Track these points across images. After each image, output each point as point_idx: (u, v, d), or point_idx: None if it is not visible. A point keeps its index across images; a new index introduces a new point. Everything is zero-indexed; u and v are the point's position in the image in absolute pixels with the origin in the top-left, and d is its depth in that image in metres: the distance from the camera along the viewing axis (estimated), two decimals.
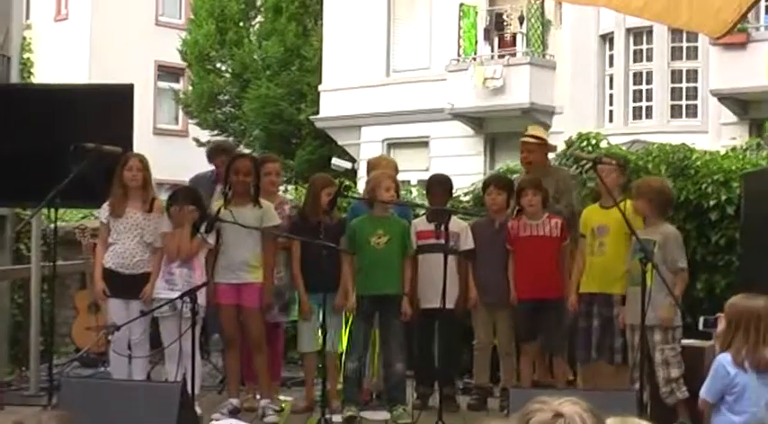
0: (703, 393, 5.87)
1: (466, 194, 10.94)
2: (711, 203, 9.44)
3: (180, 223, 8.10)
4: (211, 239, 8.18)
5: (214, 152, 10.26)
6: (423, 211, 9.20)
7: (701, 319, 7.64)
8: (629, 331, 7.92)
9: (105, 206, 8.32)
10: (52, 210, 8.32)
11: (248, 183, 8.35)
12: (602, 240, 8.24)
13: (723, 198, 9.40)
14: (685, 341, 7.93)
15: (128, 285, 8.17)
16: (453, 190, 9.42)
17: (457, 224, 8.57)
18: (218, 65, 29.28)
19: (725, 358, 5.72)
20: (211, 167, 10.21)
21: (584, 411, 2.68)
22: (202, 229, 8.08)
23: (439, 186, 9.01)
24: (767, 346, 5.66)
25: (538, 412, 2.69)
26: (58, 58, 28.86)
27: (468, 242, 8.68)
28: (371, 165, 9.53)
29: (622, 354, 8.11)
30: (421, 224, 8.78)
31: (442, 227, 7.93)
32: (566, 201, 8.86)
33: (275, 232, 8.31)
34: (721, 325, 6.01)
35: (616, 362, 8.17)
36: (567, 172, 9.39)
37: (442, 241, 7.96)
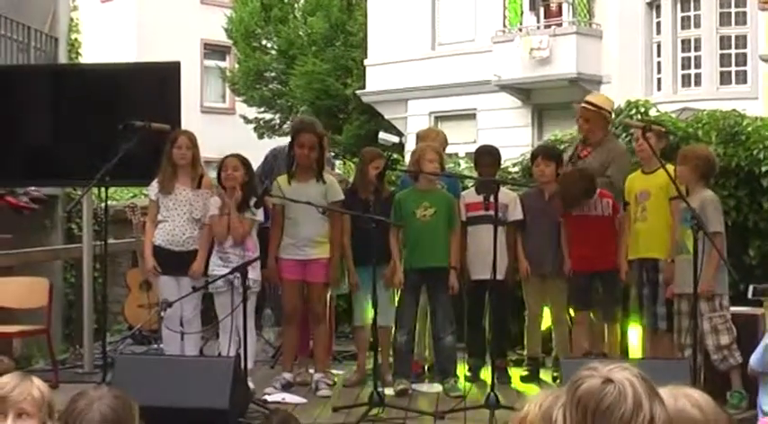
0: (753, 362, 5.84)
1: (514, 165, 10.89)
2: (763, 169, 9.33)
3: (230, 190, 8.08)
4: (259, 215, 8.19)
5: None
6: (471, 183, 9.17)
7: (751, 287, 7.60)
8: (677, 298, 7.88)
9: (154, 183, 8.35)
10: (102, 189, 8.38)
11: (312, 158, 8.35)
12: (644, 205, 8.21)
13: None
14: (737, 309, 7.87)
15: (178, 262, 8.20)
16: (502, 161, 9.39)
17: (506, 194, 8.53)
18: (264, 42, 29.35)
19: None
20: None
21: (634, 377, 2.66)
22: (251, 203, 8.09)
23: (487, 157, 8.98)
24: None
25: (588, 379, 2.68)
26: (106, 39, 28.99)
27: (516, 213, 8.65)
28: (420, 138, 9.50)
29: (667, 321, 8.07)
30: (469, 195, 8.76)
31: (491, 198, 7.89)
32: (611, 171, 8.77)
33: (329, 207, 8.30)
34: None
35: (660, 328, 8.14)
36: (619, 145, 9.25)
37: (491, 212, 7.92)
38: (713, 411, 3.03)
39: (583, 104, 9.04)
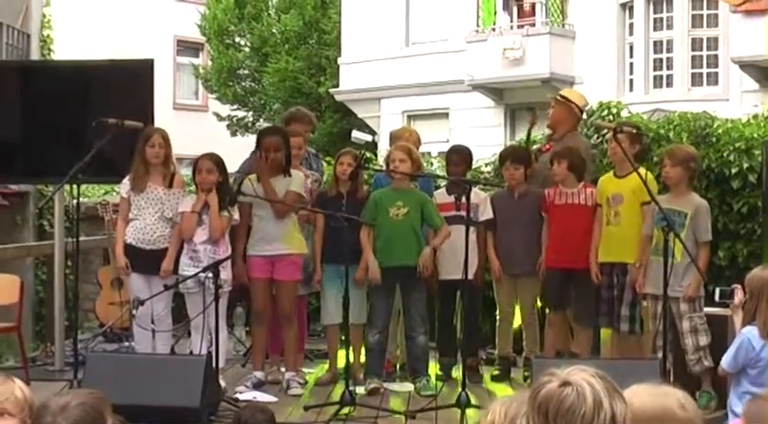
0: (724, 363, 5.89)
1: (487, 165, 10.93)
2: (733, 171, 9.39)
3: (206, 189, 8.08)
4: (235, 213, 8.19)
5: (288, 118, 9.86)
6: (444, 183, 9.20)
7: (717, 290, 7.66)
8: (651, 300, 7.93)
9: (126, 180, 8.33)
10: (74, 186, 8.36)
11: (278, 159, 8.35)
12: (616, 209, 8.25)
13: (745, 165, 9.35)
14: (707, 310, 7.93)
15: (149, 260, 8.19)
16: (473, 161, 9.42)
17: (476, 194, 8.56)
18: (237, 39, 29.28)
19: (751, 331, 5.74)
20: None
21: (591, 377, 2.69)
22: (226, 203, 8.09)
23: (458, 156, 9.01)
24: None
25: (547, 384, 2.71)
26: (78, 35, 28.86)
27: (486, 213, 8.69)
28: (394, 137, 9.52)
29: (629, 324, 8.14)
30: (440, 196, 8.79)
31: (462, 199, 7.92)
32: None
33: (297, 205, 8.32)
34: (738, 296, 6.02)
35: (623, 330, 8.19)
36: (585, 142, 9.34)
37: (462, 212, 7.95)
38: (694, 409, 3.07)
39: (556, 96, 9.15)
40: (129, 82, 9.14)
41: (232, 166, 9.26)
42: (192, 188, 8.48)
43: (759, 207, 9.09)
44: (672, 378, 7.69)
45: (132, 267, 8.24)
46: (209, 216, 8.06)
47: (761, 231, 8.99)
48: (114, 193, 11.55)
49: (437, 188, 9.25)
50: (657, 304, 7.76)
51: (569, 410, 2.64)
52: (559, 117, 9.06)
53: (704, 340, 7.75)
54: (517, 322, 9.04)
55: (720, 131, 9.73)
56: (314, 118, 9.32)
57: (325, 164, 10.16)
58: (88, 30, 30.14)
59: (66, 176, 8.02)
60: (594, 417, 2.63)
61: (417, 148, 9.07)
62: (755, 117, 10.69)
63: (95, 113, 8.30)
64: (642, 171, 7.91)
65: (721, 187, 9.50)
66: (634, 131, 8.24)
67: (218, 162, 8.19)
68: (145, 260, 8.20)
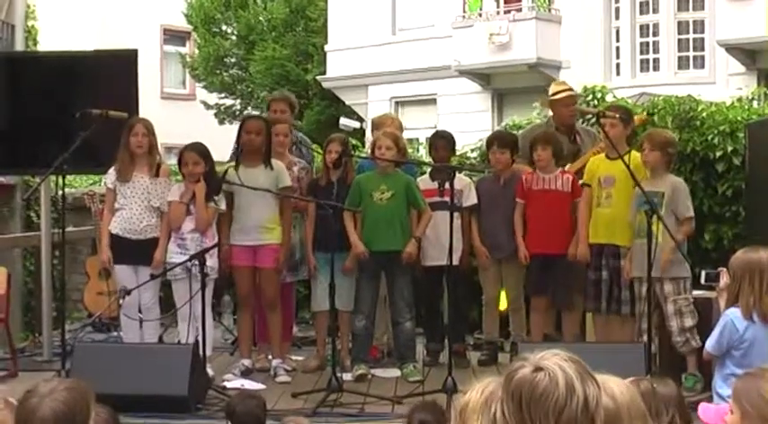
0: (709, 346, 5.91)
1: (473, 150, 10.95)
2: (718, 154, 9.43)
3: (192, 180, 8.09)
4: (222, 203, 8.21)
5: (269, 102, 9.83)
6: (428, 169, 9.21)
7: (703, 273, 7.68)
8: (637, 283, 7.96)
9: (112, 170, 8.33)
10: (60, 177, 8.35)
11: (259, 143, 8.36)
12: (608, 191, 8.26)
13: (729, 148, 9.38)
14: (695, 292, 7.96)
15: (136, 250, 8.19)
16: (457, 147, 9.45)
17: (460, 180, 8.57)
18: (224, 27, 29.25)
19: (734, 313, 5.75)
20: None
21: (563, 361, 2.70)
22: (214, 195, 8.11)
23: (442, 141, 9.03)
24: None
25: (519, 370, 2.72)
26: (64, 25, 28.77)
27: (470, 198, 8.71)
28: (376, 124, 9.54)
29: (630, 306, 8.16)
30: (424, 182, 8.79)
31: (446, 185, 7.94)
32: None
33: (284, 193, 8.33)
34: (724, 279, 6.05)
35: (624, 313, 8.22)
36: (590, 130, 9.36)
37: (446, 198, 7.96)
38: (628, 401, 3.08)
39: (565, 93, 9.15)
40: (113, 72, 9.14)
41: (221, 154, 9.27)
42: (179, 177, 8.48)
43: (743, 189, 9.13)
44: (658, 361, 7.74)
45: (119, 257, 8.24)
46: (196, 206, 8.07)
47: (745, 213, 9.03)
48: (101, 184, 11.54)
49: (421, 174, 9.26)
50: (642, 285, 7.80)
51: (542, 396, 2.66)
52: (570, 112, 9.15)
53: (690, 321, 7.78)
54: (504, 306, 9.05)
55: (705, 115, 9.77)
56: (293, 98, 9.35)
57: (314, 152, 10.14)
58: (73, 20, 30.05)
59: (52, 167, 8.01)
60: (567, 401, 2.64)
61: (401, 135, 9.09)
62: (740, 100, 10.73)
63: (81, 104, 8.29)
64: (632, 155, 7.94)
65: (706, 170, 9.53)
66: (617, 115, 8.24)
67: (202, 152, 8.19)
68: (132, 250, 8.20)
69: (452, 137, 9.09)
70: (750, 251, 5.86)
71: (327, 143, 8.72)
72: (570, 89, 9.29)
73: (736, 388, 4.16)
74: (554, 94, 9.21)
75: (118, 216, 8.29)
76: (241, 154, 8.47)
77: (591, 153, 8.72)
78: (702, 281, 7.78)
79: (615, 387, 3.08)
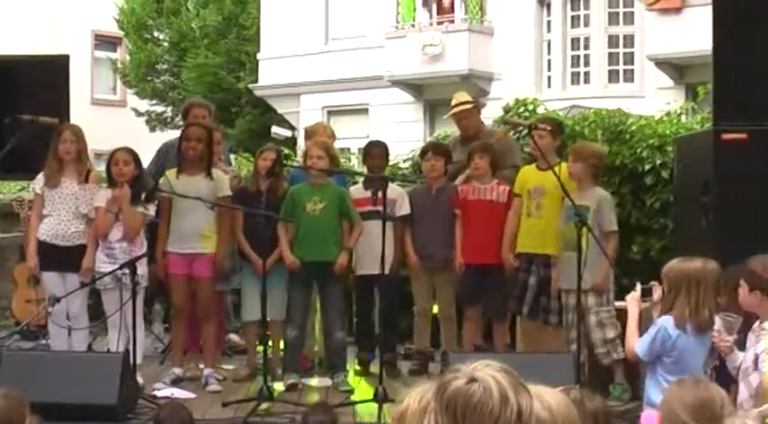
0: (639, 349, 5.92)
1: (405, 161, 10.99)
2: (646, 167, 9.54)
3: (120, 185, 8.04)
4: (151, 210, 8.16)
5: (187, 108, 9.66)
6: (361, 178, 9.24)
7: (638, 286, 7.78)
8: (564, 294, 8.04)
9: (40, 176, 8.26)
10: None
11: (200, 151, 8.33)
12: (538, 201, 8.35)
13: (658, 162, 9.50)
14: (620, 303, 8.04)
15: (63, 257, 8.13)
16: (391, 157, 9.48)
17: (393, 190, 8.56)
18: (156, 34, 29.11)
19: (667, 321, 5.80)
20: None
21: (497, 372, 2.72)
22: (142, 198, 8.06)
23: (376, 150, 9.06)
24: (706, 307, 5.76)
25: (453, 381, 2.72)
26: None
27: (404, 208, 8.72)
28: (309, 133, 9.54)
29: (558, 316, 8.24)
30: (357, 191, 8.81)
31: (379, 194, 7.97)
32: (510, 162, 8.94)
33: (217, 202, 8.30)
34: (657, 292, 6.10)
35: (552, 323, 8.31)
36: (503, 132, 9.49)
37: (379, 208, 7.99)
38: (564, 413, 3.10)
39: (460, 107, 9.24)
40: (44, 77, 9.07)
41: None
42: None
43: (671, 202, 9.25)
44: (586, 370, 7.82)
45: (47, 263, 8.17)
46: (123, 214, 8.01)
47: (672, 226, 9.15)
48: (29, 190, 11.42)
49: (354, 183, 9.28)
50: (569, 297, 7.87)
51: (476, 407, 2.66)
52: (474, 121, 9.24)
53: (612, 332, 7.86)
54: (434, 315, 9.09)
55: (634, 128, 9.89)
56: (211, 105, 9.36)
57: (239, 160, 10.11)
58: (3, 24, 29.73)
59: None
60: (501, 412, 2.66)
61: (333, 143, 9.10)
62: (668, 114, 10.87)
63: (10, 109, 8.22)
64: (561, 166, 8.01)
65: (635, 183, 9.64)
66: (548, 128, 8.32)
67: (133, 154, 8.18)
68: (59, 257, 8.13)
69: (387, 147, 9.13)
70: (686, 261, 5.91)
71: (262, 151, 8.71)
72: (467, 102, 9.36)
73: (667, 394, 4.25)
74: (451, 108, 9.36)
75: (45, 222, 8.21)
76: (182, 161, 8.41)
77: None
78: (639, 295, 7.85)
79: (551, 399, 3.10)
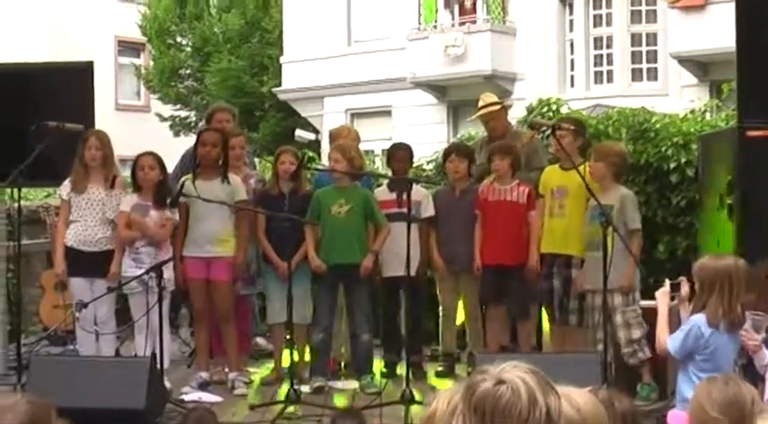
0: (671, 346, 5.90)
1: (429, 162, 10.99)
2: (671, 165, 9.52)
3: (147, 189, 8.10)
4: (176, 215, 8.20)
5: (211, 112, 9.73)
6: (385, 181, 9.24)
7: (667, 282, 7.75)
8: (590, 294, 8.02)
9: (66, 182, 8.30)
10: (16, 190, 8.31)
11: (216, 155, 8.36)
12: (561, 202, 8.34)
13: (683, 160, 9.47)
14: (646, 303, 8.01)
15: (91, 263, 8.16)
16: (415, 158, 9.49)
17: (418, 191, 8.59)
18: (179, 39, 29.18)
19: (700, 319, 5.78)
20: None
21: (525, 373, 2.71)
22: (168, 203, 8.09)
23: (400, 154, 9.07)
24: (739, 304, 5.74)
25: (481, 383, 2.72)
26: (17, 36, 28.64)
27: (428, 210, 8.74)
28: (333, 136, 9.56)
29: (578, 316, 8.23)
30: (382, 193, 8.84)
31: (404, 196, 7.97)
32: (537, 164, 8.93)
33: (239, 205, 8.33)
34: (685, 288, 6.08)
35: (571, 323, 8.30)
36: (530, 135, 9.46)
37: (404, 209, 7.99)
38: (592, 413, 3.10)
39: (488, 109, 9.23)
40: (69, 84, 9.08)
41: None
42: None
43: (697, 200, 9.22)
44: (613, 371, 7.80)
45: (74, 269, 8.21)
46: (146, 234, 8.08)
47: (699, 224, 9.12)
48: (56, 196, 11.47)
49: (378, 185, 9.29)
50: (595, 297, 7.86)
51: (505, 409, 2.66)
52: (500, 122, 9.24)
53: (637, 332, 7.83)
54: (460, 318, 9.09)
55: (658, 126, 9.86)
56: (235, 109, 9.40)
57: (263, 164, 10.14)
58: (28, 31, 29.90)
59: (7, 180, 7.97)
60: (530, 413, 2.65)
61: (357, 146, 9.11)
62: (692, 112, 10.83)
63: (36, 116, 8.26)
64: (585, 167, 7.99)
65: (660, 181, 9.61)
66: (572, 127, 8.31)
67: (158, 159, 8.22)
68: (87, 263, 8.17)
69: (411, 149, 9.14)
70: (717, 258, 5.90)
71: (279, 154, 8.73)
72: (495, 103, 9.35)
73: (693, 394, 4.25)
74: (478, 109, 9.34)
75: (72, 228, 8.26)
76: (198, 166, 8.45)
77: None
78: (668, 290, 7.83)
79: (579, 399, 3.10)
